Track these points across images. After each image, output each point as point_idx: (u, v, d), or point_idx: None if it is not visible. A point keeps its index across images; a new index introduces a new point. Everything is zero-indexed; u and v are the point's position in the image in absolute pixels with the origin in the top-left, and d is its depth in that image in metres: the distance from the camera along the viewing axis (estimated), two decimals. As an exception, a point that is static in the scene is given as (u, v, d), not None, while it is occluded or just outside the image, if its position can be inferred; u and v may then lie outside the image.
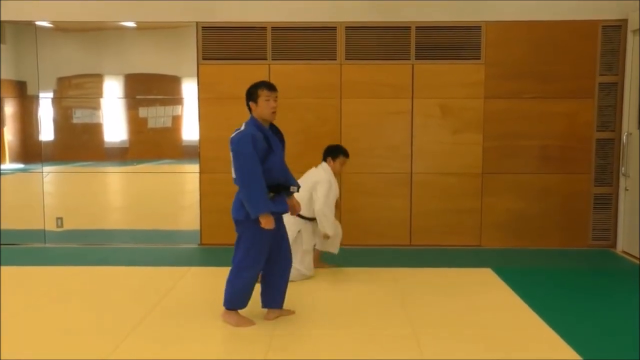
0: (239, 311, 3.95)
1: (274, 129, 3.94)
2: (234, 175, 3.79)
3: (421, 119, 6.09)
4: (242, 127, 3.80)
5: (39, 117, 6.26)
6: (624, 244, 6.03)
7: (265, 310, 4.05)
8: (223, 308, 3.96)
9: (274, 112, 3.82)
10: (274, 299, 4.02)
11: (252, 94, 3.82)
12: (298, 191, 4.04)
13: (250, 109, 3.85)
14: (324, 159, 5.08)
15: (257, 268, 3.87)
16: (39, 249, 6.20)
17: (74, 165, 6.38)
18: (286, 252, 3.99)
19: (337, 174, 5.09)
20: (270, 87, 3.84)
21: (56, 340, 3.67)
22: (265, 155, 3.73)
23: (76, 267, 5.36)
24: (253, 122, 3.81)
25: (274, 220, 3.71)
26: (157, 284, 4.82)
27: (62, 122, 6.30)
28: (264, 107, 3.79)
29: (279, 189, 3.86)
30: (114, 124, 6.32)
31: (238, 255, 3.84)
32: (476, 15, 5.99)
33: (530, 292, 4.59)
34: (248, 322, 3.92)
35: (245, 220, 3.74)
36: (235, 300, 3.90)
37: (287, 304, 4.10)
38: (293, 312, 4.16)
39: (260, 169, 3.66)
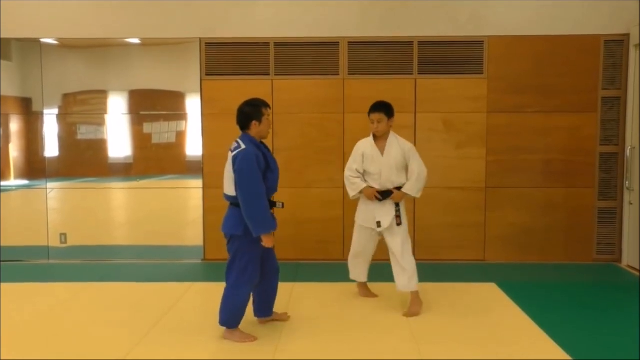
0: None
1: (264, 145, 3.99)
2: (226, 191, 3.84)
3: (424, 133, 6.09)
4: (242, 145, 3.80)
5: (43, 133, 6.29)
6: (629, 258, 6.00)
7: (257, 318, 4.22)
8: (222, 328, 3.95)
9: (269, 131, 4.00)
10: (268, 308, 4.19)
11: (257, 113, 3.86)
12: (283, 207, 3.99)
13: (247, 127, 3.87)
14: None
15: (254, 283, 3.91)
16: (43, 265, 6.20)
17: (78, 181, 6.40)
18: (275, 263, 4.13)
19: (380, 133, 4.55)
20: (268, 105, 3.98)
21: (59, 356, 3.66)
22: (264, 174, 3.77)
23: (80, 284, 5.35)
24: (251, 140, 3.83)
25: (273, 240, 3.80)
26: (160, 300, 4.81)
27: (67, 138, 6.33)
28: (266, 125, 3.89)
29: (271, 204, 3.90)
30: (118, 139, 6.35)
31: (234, 272, 3.84)
32: (479, 30, 6.02)
33: (535, 307, 4.57)
34: (251, 337, 3.92)
35: (242, 236, 3.76)
36: (233, 317, 3.92)
37: (294, 314, 4.20)
38: (288, 317, 4.28)
39: (264, 188, 3.72)
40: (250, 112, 3.87)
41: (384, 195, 4.43)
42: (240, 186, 3.70)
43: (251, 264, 3.82)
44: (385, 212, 4.44)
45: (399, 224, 4.43)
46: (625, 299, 4.97)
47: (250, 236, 3.73)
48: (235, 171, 3.73)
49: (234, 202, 3.81)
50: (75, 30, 6.15)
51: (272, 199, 3.92)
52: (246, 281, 3.83)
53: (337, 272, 5.34)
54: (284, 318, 4.28)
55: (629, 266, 5.97)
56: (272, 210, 3.87)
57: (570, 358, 3.61)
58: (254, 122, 3.85)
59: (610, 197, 6.12)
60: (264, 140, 3.97)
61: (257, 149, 3.80)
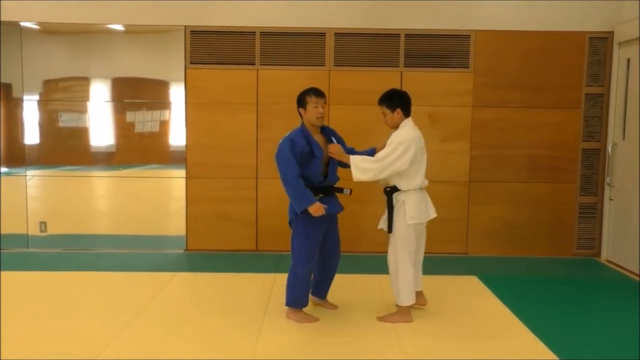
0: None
1: (327, 129, 4.21)
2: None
3: (409, 126, 6.08)
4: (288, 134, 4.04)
5: (23, 120, 6.18)
6: (608, 253, 6.08)
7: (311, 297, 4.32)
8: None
9: (319, 118, 4.04)
10: (321, 291, 4.35)
11: (301, 100, 4.07)
12: (350, 194, 4.12)
13: (300, 116, 4.10)
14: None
15: (311, 263, 4.07)
16: (22, 254, 6.11)
17: (59, 169, 6.31)
18: (338, 250, 4.27)
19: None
20: (318, 93, 4.05)
21: (40, 346, 3.63)
22: (306, 159, 3.97)
23: (60, 273, 5.29)
24: (300, 129, 4.06)
25: (322, 207, 3.90)
26: (142, 290, 4.78)
27: (48, 125, 6.23)
28: (311, 113, 4.02)
29: (329, 190, 4.10)
30: (100, 128, 6.26)
31: (293, 254, 4.09)
32: (466, 24, 6.03)
33: (516, 300, 4.62)
34: (312, 318, 4.10)
35: (294, 218, 4.04)
36: (294, 298, 4.10)
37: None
38: (336, 307, 4.37)
39: (294, 170, 3.90)
40: (297, 101, 4.09)
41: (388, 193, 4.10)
42: (279, 171, 3.97)
43: (306, 246, 4.01)
44: (385, 215, 4.17)
45: (389, 230, 4.13)
46: (605, 293, 5.04)
47: (302, 220, 3.97)
48: (275, 158, 4.04)
49: None
50: (57, 15, 6.04)
51: (337, 185, 4.18)
52: (303, 263, 4.02)
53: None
54: (332, 307, 4.38)
55: (608, 261, 6.05)
56: (336, 195, 4.17)
57: (549, 351, 3.65)
58: (300, 109, 4.07)
59: (591, 192, 6.19)
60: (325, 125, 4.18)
61: (302, 136, 4.00)
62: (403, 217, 4.02)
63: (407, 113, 4.13)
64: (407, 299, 4.09)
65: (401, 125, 4.09)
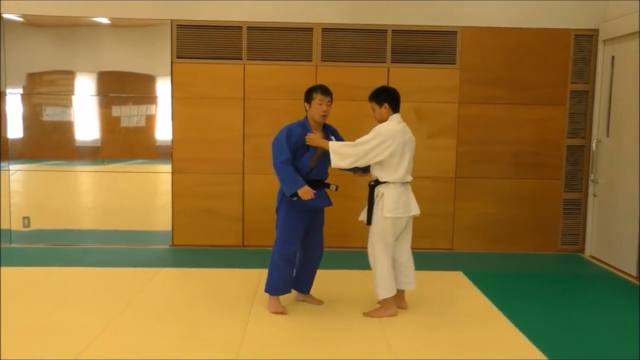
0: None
1: (329, 127, 4.28)
2: None
3: (396, 122, 6.09)
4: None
5: (6, 113, 6.11)
6: (591, 248, 6.14)
7: (295, 293, 4.42)
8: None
9: (322, 115, 4.12)
10: (303, 285, 4.38)
11: (307, 95, 4.15)
12: (336, 190, 4.19)
13: (305, 110, 4.18)
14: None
15: (287, 251, 4.13)
16: (4, 249, 6.03)
17: (43, 164, 6.24)
18: (320, 245, 4.32)
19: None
20: (324, 91, 4.12)
21: (24, 341, 3.59)
22: (299, 151, 4.07)
23: (43, 268, 5.25)
24: (302, 122, 4.17)
25: (312, 192, 3.98)
26: (127, 285, 4.75)
27: (31, 119, 6.16)
28: (315, 109, 4.10)
29: (317, 184, 4.11)
30: (85, 122, 6.21)
31: (276, 238, 4.19)
32: (452, 21, 6.04)
33: (500, 295, 4.65)
34: (282, 309, 4.16)
35: (279, 206, 4.19)
36: (270, 284, 4.19)
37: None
38: (322, 303, 4.37)
39: (286, 156, 4.00)
40: (305, 95, 4.17)
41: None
42: (272, 156, 4.09)
43: (285, 233, 4.12)
44: (367, 207, 4.20)
45: (367, 222, 4.17)
46: (588, 289, 5.09)
47: (286, 207, 4.11)
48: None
49: None
50: (41, 7, 5.97)
51: (326, 181, 4.24)
52: (279, 248, 4.14)
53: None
54: (317, 303, 4.39)
55: (591, 256, 6.11)
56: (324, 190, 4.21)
57: (532, 345, 3.68)
58: (306, 104, 4.16)
59: (575, 189, 6.24)
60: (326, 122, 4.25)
61: (301, 128, 4.09)
62: (381, 210, 4.06)
63: (395, 109, 4.18)
64: (385, 292, 4.12)
65: (388, 120, 4.15)
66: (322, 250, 4.34)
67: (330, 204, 4.26)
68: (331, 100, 4.15)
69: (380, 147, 3.99)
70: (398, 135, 4.05)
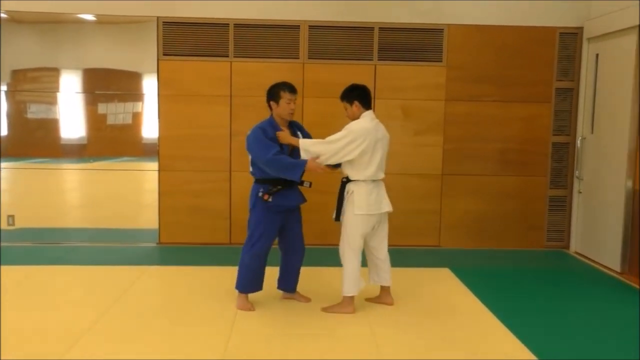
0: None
1: (295, 124, 4.30)
2: (251, 169, 4.16)
3: (383, 120, 5.96)
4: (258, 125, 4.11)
5: (-10, 110, 6.06)
6: (576, 245, 6.20)
7: (281, 292, 4.43)
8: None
9: (291, 113, 4.14)
10: (288, 283, 4.36)
11: (273, 94, 4.13)
12: (310, 187, 4.12)
13: (270, 107, 4.16)
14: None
15: (256, 250, 4.10)
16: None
17: (27, 161, 6.19)
18: (300, 243, 4.28)
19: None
20: (292, 89, 4.13)
21: (9, 341, 3.55)
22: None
23: (28, 267, 5.20)
24: (269, 120, 4.14)
25: (320, 165, 3.97)
26: (113, 284, 4.73)
27: (16, 116, 6.10)
28: (284, 108, 4.10)
29: (291, 182, 4.07)
30: (71, 119, 6.16)
31: (247, 237, 4.16)
32: (439, 18, 6.06)
33: (486, 292, 4.68)
34: (249, 307, 4.16)
35: (252, 208, 4.15)
36: (240, 281, 4.18)
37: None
38: (309, 300, 4.37)
39: (275, 149, 3.96)
40: (268, 93, 4.16)
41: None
42: (255, 157, 4.03)
43: (255, 233, 4.10)
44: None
45: (336, 219, 4.17)
46: (573, 284, 5.14)
47: (258, 208, 4.09)
48: (247, 149, 4.09)
49: (255, 177, 4.16)
50: (25, 4, 5.90)
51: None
52: (248, 248, 4.12)
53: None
54: (305, 300, 4.38)
55: (576, 253, 6.17)
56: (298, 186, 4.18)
57: (518, 340, 3.71)
58: (272, 102, 4.14)
59: (561, 185, 6.30)
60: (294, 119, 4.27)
61: (271, 127, 4.08)
62: (351, 208, 4.06)
63: (366, 106, 4.19)
64: (351, 289, 4.12)
65: (360, 117, 4.15)
66: (303, 250, 4.32)
67: (304, 201, 4.26)
68: (297, 98, 4.17)
69: (350, 146, 3.98)
70: (370, 134, 4.04)
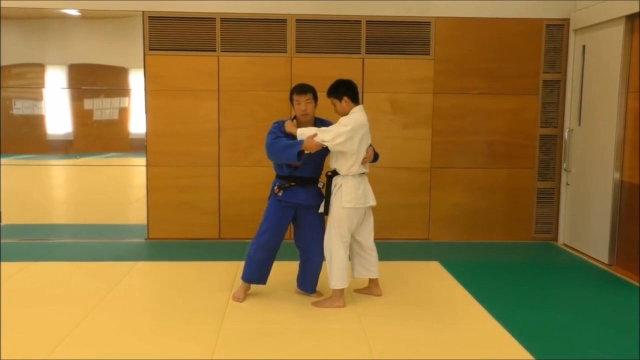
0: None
1: (322, 121, 4.26)
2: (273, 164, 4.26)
3: (371, 113, 6.00)
4: None
5: (-25, 107, 5.99)
6: (564, 237, 6.23)
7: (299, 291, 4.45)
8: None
9: (304, 114, 4.14)
10: (307, 284, 4.36)
11: (290, 96, 4.22)
12: (323, 187, 4.19)
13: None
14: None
15: (261, 242, 4.21)
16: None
17: (13, 158, 6.13)
18: (317, 245, 4.21)
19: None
20: (299, 90, 4.16)
21: (-8, 339, 3.53)
22: None
23: (14, 263, 5.15)
24: (292, 118, 4.23)
25: (316, 143, 3.95)
26: (102, 280, 4.70)
27: (1, 113, 6.03)
28: (296, 108, 4.16)
29: (305, 181, 4.15)
30: (57, 115, 6.11)
31: (257, 228, 4.27)
32: (426, 11, 6.05)
33: (475, 284, 4.70)
34: (240, 298, 4.23)
35: (269, 197, 4.26)
36: (245, 269, 4.28)
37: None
38: (322, 296, 4.35)
39: (273, 135, 4.06)
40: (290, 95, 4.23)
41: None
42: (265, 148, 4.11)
43: (263, 225, 4.22)
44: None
45: (322, 212, 4.20)
46: (561, 276, 5.17)
47: (268, 203, 4.23)
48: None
49: (276, 173, 4.26)
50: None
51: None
52: (254, 239, 4.25)
53: (283, 251, 5.33)
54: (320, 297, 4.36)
55: (564, 245, 6.21)
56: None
57: (507, 333, 3.73)
58: (291, 105, 4.23)
59: (548, 178, 6.33)
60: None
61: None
62: (339, 201, 4.08)
63: (355, 101, 4.20)
64: (339, 282, 4.14)
65: (351, 112, 4.15)
66: (320, 252, 4.23)
67: (316, 201, 4.20)
68: (311, 97, 4.14)
69: (350, 134, 4.00)
70: (362, 128, 4.08)
